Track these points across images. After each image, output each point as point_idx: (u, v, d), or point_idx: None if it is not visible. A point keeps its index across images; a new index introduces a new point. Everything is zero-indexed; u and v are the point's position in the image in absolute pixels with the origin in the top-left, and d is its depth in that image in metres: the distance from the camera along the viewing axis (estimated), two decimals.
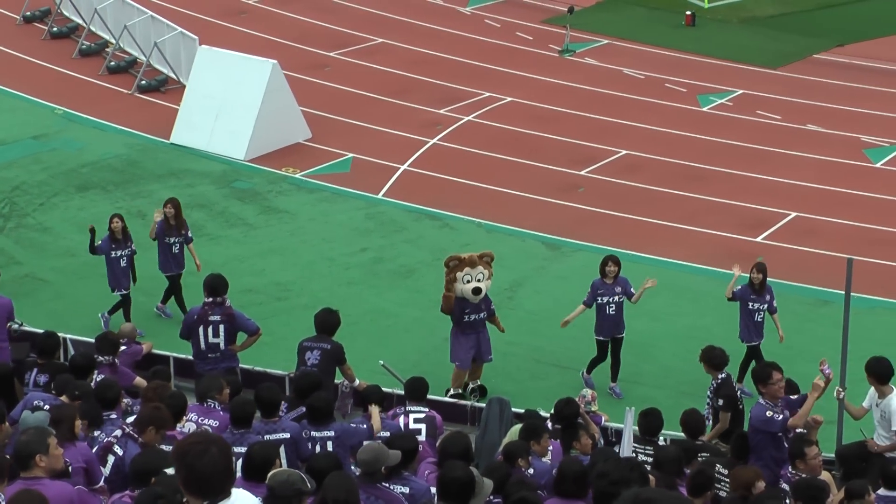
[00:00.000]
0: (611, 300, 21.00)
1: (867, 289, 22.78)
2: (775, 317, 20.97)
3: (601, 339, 21.25)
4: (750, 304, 20.85)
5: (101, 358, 17.69)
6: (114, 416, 14.78)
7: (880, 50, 35.13)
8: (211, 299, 19.18)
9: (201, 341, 19.18)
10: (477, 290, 20.53)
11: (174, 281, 22.65)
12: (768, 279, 21.01)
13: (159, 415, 13.87)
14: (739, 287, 20.90)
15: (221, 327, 19.16)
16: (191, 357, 19.57)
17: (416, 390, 17.01)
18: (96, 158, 29.26)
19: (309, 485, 11.34)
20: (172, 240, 22.44)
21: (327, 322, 18.98)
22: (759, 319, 20.91)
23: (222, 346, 19.16)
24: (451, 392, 20.51)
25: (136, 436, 13.78)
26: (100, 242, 22.13)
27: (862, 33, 36.18)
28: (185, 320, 19.71)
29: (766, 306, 20.87)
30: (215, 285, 19.35)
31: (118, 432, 13.87)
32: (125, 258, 22.16)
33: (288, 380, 19.09)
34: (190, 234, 22.77)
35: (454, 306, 20.67)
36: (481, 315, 20.80)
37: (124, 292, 22.28)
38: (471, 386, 20.88)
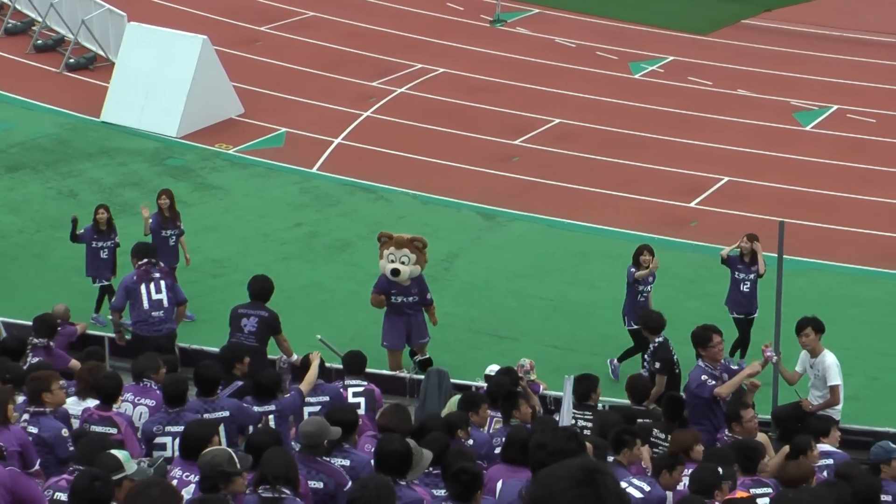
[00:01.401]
0: (645, 288, 20.56)
1: (799, 251, 22.89)
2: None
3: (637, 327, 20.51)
4: (737, 273, 20.57)
5: (36, 340, 17.55)
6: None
7: (807, 14, 35.30)
8: (146, 260, 19.33)
9: (144, 301, 19.20)
10: (395, 272, 20.35)
11: None
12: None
13: (37, 385, 14.00)
14: (732, 254, 20.67)
15: (163, 283, 19.37)
16: (126, 337, 19.52)
17: (355, 363, 16.99)
18: (25, 138, 28.99)
19: (239, 465, 11.34)
20: (168, 232, 22.02)
21: (264, 289, 19.07)
22: (745, 290, 20.52)
23: (165, 302, 19.22)
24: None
25: (41, 409, 13.83)
26: (82, 231, 21.79)
27: None
28: (122, 286, 19.48)
29: (753, 276, 20.53)
30: (145, 249, 19.73)
31: (25, 416, 13.87)
32: (107, 250, 21.75)
33: None
34: (182, 227, 22.35)
35: (381, 283, 20.58)
36: (409, 299, 20.58)
37: (104, 283, 21.87)
38: (418, 357, 20.78)
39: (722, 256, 20.75)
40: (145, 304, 19.24)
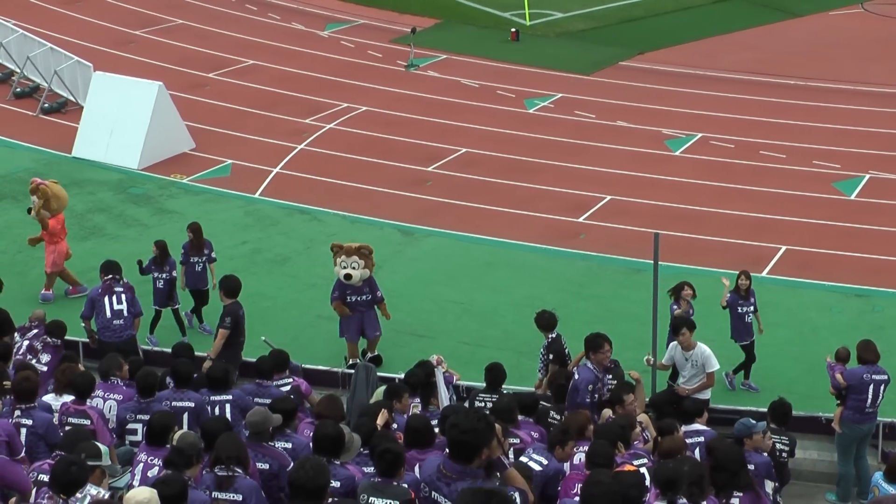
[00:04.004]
0: (747, 310, 19.80)
1: (672, 258, 23.07)
2: (757, 315, 20.13)
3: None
4: (739, 308, 19.99)
5: (50, 340, 17.87)
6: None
7: (674, 56, 35.58)
8: (110, 276, 19.39)
9: (107, 310, 19.20)
10: (347, 276, 20.42)
11: (196, 296, 21.83)
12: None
13: (29, 385, 13.95)
14: (729, 294, 20.00)
15: (124, 296, 19.38)
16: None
17: (281, 361, 17.00)
18: (7, 172, 28.72)
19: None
20: (194, 259, 21.71)
21: (239, 285, 19.32)
22: (748, 321, 20.03)
23: (125, 313, 19.19)
24: (350, 362, 20.39)
25: (32, 405, 13.80)
26: (146, 265, 21.44)
27: (659, 43, 36.61)
28: (89, 297, 19.65)
29: (752, 308, 20.06)
30: (111, 266, 19.68)
31: (18, 412, 13.80)
32: (161, 280, 21.24)
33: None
34: (213, 255, 21.92)
35: (337, 287, 20.61)
36: (362, 298, 20.59)
37: (156, 308, 21.39)
38: (368, 355, 20.80)
39: (723, 305, 20.03)
40: (108, 314, 19.24)
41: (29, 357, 17.65)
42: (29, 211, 23.14)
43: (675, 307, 19.60)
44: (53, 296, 22.80)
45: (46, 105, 31.99)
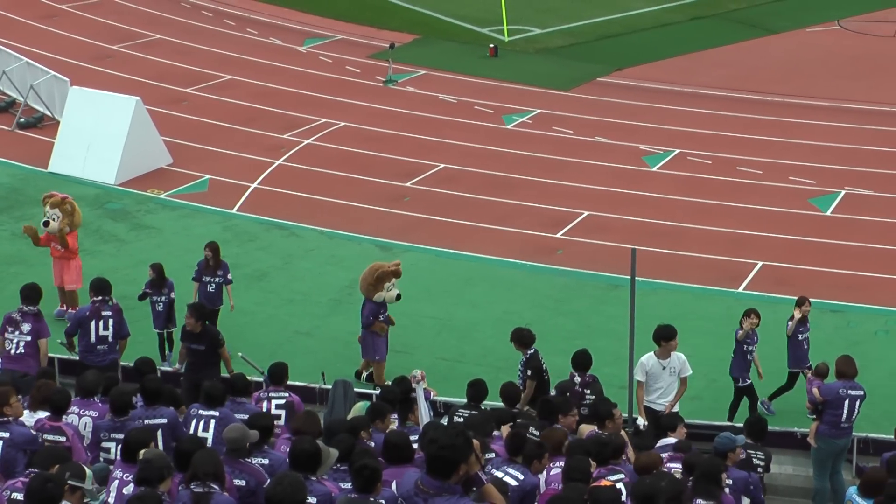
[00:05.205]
0: (751, 347, 19.56)
1: (649, 273, 23.15)
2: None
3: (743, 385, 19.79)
4: (800, 334, 19.85)
5: (27, 308, 18.10)
6: None
7: (652, 73, 35.70)
8: (100, 298, 19.07)
9: (92, 334, 18.90)
10: (399, 297, 20.70)
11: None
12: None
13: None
14: (789, 323, 19.83)
15: (111, 321, 19.02)
16: (74, 357, 19.29)
17: (277, 374, 16.91)
18: None
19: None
20: (207, 279, 21.61)
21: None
22: (806, 347, 19.88)
23: (110, 338, 18.98)
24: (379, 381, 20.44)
25: (6, 419, 13.71)
26: (143, 289, 21.32)
27: (636, 59, 36.74)
28: (75, 316, 19.34)
29: (808, 333, 19.92)
30: (102, 286, 19.26)
31: None
32: (160, 303, 21.10)
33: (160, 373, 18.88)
34: (229, 276, 21.81)
35: (372, 309, 20.58)
36: (387, 315, 20.91)
37: (158, 331, 21.26)
38: (364, 374, 20.84)
39: (789, 334, 19.91)
40: (92, 338, 18.96)
41: (10, 329, 18.03)
42: (46, 224, 22.81)
43: (739, 332, 19.58)
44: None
45: (23, 120, 31.91)
